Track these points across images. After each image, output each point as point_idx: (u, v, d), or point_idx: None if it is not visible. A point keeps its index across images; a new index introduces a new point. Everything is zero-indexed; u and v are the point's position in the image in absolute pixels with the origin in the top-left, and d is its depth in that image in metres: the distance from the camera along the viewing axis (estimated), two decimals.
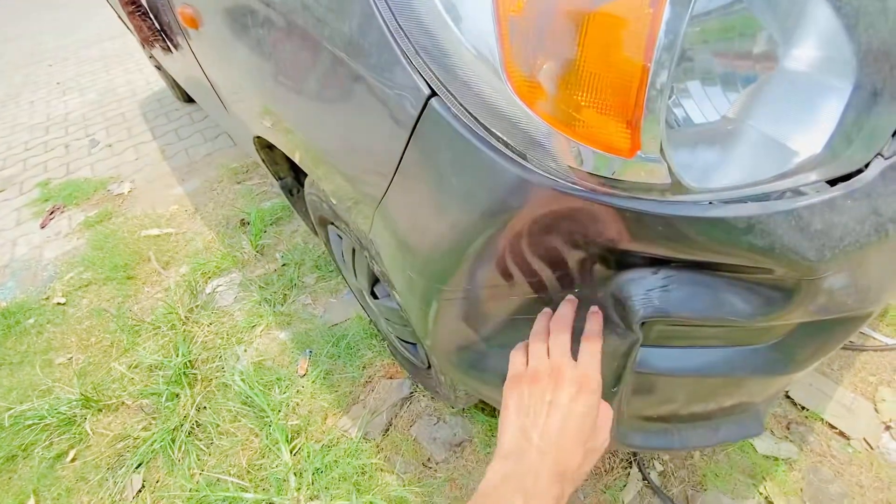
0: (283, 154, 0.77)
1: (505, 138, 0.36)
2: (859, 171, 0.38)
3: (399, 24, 0.38)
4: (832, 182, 0.38)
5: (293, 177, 1.04)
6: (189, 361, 1.18)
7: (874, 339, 1.00)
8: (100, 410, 1.15)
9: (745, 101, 0.38)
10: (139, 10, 0.99)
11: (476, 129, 0.37)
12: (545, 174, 0.36)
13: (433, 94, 0.38)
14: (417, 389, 1.06)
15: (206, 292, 1.43)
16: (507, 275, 0.44)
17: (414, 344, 0.88)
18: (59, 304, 1.52)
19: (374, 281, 0.86)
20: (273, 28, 0.55)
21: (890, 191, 0.38)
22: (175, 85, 2.56)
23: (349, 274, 0.97)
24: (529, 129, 0.34)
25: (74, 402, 1.15)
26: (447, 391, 0.88)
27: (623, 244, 0.39)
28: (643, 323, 0.45)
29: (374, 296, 0.88)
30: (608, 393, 0.51)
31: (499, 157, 0.37)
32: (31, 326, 1.45)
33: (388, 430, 1.00)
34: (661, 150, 0.33)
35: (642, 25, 0.30)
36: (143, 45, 1.12)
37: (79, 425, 1.12)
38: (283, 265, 1.47)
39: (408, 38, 0.38)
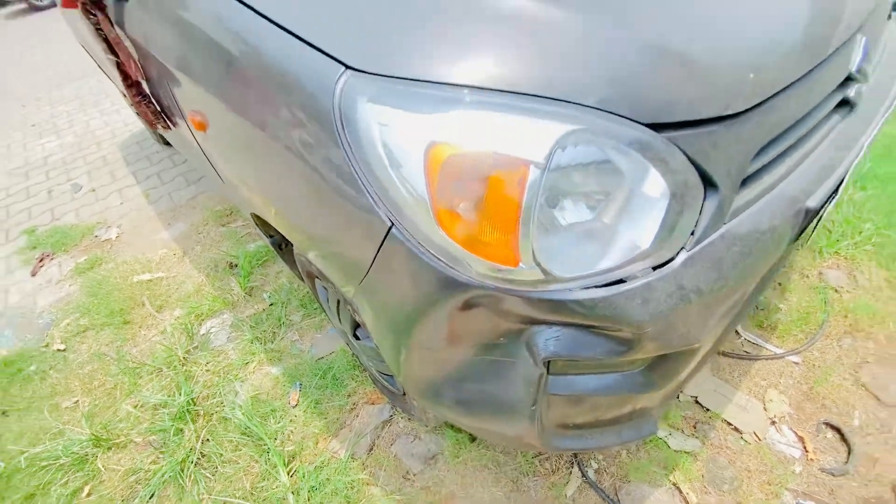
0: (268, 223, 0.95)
1: (439, 256, 0.55)
2: (671, 260, 0.59)
3: (357, 168, 0.57)
4: (654, 268, 0.59)
5: (282, 237, 1.21)
6: (191, 399, 1.32)
7: (766, 349, 1.23)
8: (110, 448, 1.28)
9: (600, 214, 0.58)
10: (144, 98, 1.15)
11: (422, 250, 0.56)
12: (467, 277, 0.56)
13: (392, 224, 0.57)
14: (396, 413, 1.23)
15: (200, 333, 1.57)
16: (449, 337, 0.63)
17: (391, 375, 1.06)
18: (59, 350, 1.63)
19: (356, 326, 1.04)
20: (271, 146, 0.73)
21: (690, 272, 0.59)
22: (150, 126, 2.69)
23: (334, 318, 1.14)
24: (452, 250, 0.54)
25: (85, 442, 1.27)
26: (420, 414, 1.07)
27: (522, 314, 0.59)
28: (548, 361, 0.64)
29: (357, 337, 1.06)
30: (529, 412, 0.71)
31: (438, 266, 0.56)
32: (33, 373, 1.56)
33: (371, 449, 1.17)
34: (535, 260, 0.53)
35: (518, 185, 0.50)
36: (146, 124, 1.27)
37: (91, 463, 1.25)
38: (271, 304, 1.63)
39: (366, 177, 0.57)
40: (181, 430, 1.26)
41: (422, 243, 0.56)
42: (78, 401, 1.44)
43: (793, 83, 0.61)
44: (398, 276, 0.61)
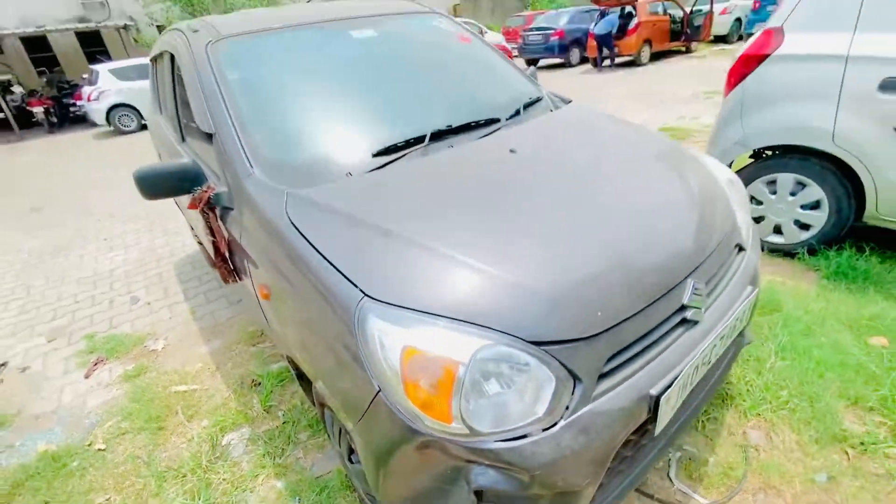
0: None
1: (405, 413, 0.91)
2: (555, 425, 0.93)
3: (363, 353, 0.95)
4: (544, 429, 0.92)
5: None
6: (208, 499, 1.56)
7: (694, 498, 1.45)
8: None
9: (512, 393, 0.93)
10: (225, 263, 1.63)
11: (396, 408, 0.92)
12: (422, 428, 0.90)
13: (379, 390, 0.94)
14: None
15: (222, 444, 1.85)
16: (412, 468, 0.95)
17: (374, 497, 1.32)
18: (99, 449, 1.92)
19: (351, 451, 1.33)
20: (312, 322, 1.13)
21: (566, 435, 0.92)
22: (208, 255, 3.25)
23: (335, 442, 1.44)
24: (412, 410, 0.90)
25: None
26: None
27: (458, 456, 0.91)
28: (477, 491, 0.94)
29: (351, 461, 1.35)
30: None
31: (405, 419, 0.91)
32: (75, 469, 1.83)
33: None
34: (462, 420, 0.88)
35: (451, 374, 0.87)
36: (221, 277, 1.73)
37: None
38: (284, 423, 1.92)
39: (368, 359, 0.95)
40: None
41: (395, 404, 0.92)
42: (110, 497, 1.68)
43: (631, 316, 1.01)
44: (381, 422, 0.96)
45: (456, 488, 0.95)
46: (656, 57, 11.96)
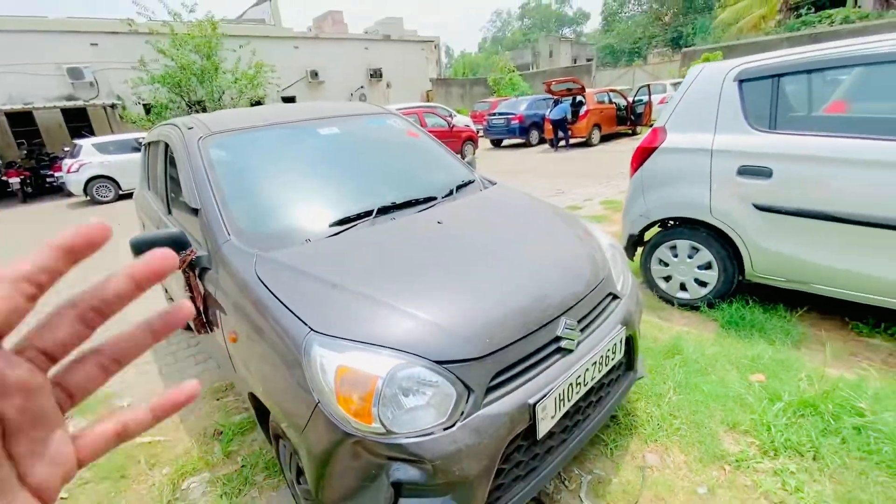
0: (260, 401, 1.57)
1: (338, 419, 1.19)
2: (453, 426, 1.22)
3: (308, 374, 1.24)
4: (445, 429, 1.21)
5: (265, 408, 1.80)
6: None
7: None
8: None
9: (422, 402, 1.23)
10: (199, 316, 1.91)
11: (332, 415, 1.20)
12: (351, 429, 1.18)
13: (318, 401, 1.22)
14: None
15: (182, 488, 1.99)
16: (345, 466, 1.21)
17: None
18: (62, 498, 2.01)
19: (300, 474, 1.55)
20: (270, 356, 1.41)
21: (460, 433, 1.21)
22: None
23: (286, 468, 1.65)
24: (343, 415, 1.18)
25: None
26: None
27: (379, 452, 1.19)
28: (395, 483, 1.20)
29: (299, 482, 1.56)
30: None
31: (338, 424, 1.19)
32: None
33: None
34: (380, 421, 1.17)
35: (372, 386, 1.17)
36: (195, 328, 1.99)
37: None
38: (242, 466, 2.08)
39: (311, 379, 1.24)
40: None
41: (329, 411, 1.20)
42: None
43: (513, 342, 1.35)
44: (319, 429, 1.23)
45: (378, 483, 1.21)
46: (606, 139, 13.36)
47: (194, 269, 1.85)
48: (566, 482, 1.84)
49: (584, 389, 1.50)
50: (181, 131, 2.18)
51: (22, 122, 15.32)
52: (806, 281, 2.52)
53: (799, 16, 20.27)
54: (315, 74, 19.83)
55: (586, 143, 12.77)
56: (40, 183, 13.65)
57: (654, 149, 2.91)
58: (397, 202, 2.01)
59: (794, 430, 1.88)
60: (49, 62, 14.48)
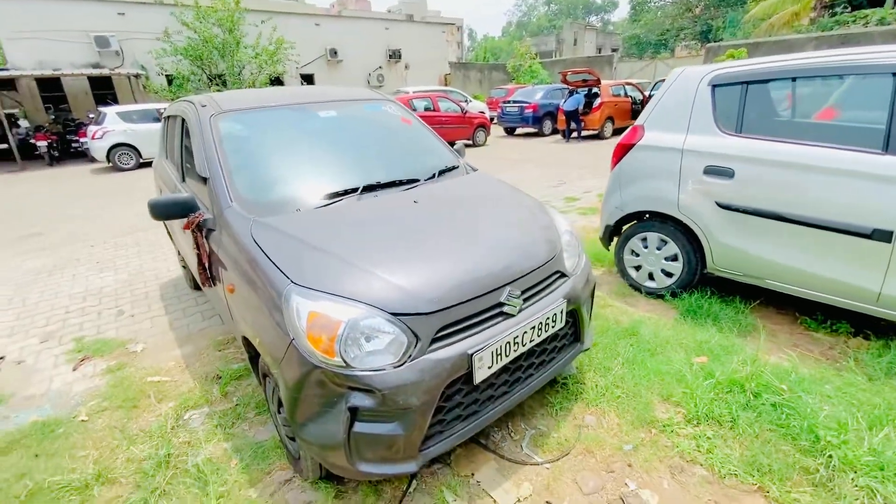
0: (251, 343, 1.85)
1: (307, 352, 1.47)
2: (401, 365, 1.49)
3: (286, 317, 1.52)
4: (395, 367, 1.48)
5: (255, 351, 2.10)
6: (168, 454, 2.03)
7: (533, 458, 1.97)
8: (104, 483, 1.94)
9: (379, 346, 1.50)
10: (205, 271, 2.20)
11: (302, 349, 1.48)
12: (318, 361, 1.46)
13: (293, 339, 1.50)
14: (295, 476, 1.92)
15: (184, 418, 2.32)
16: (311, 393, 1.50)
17: (293, 438, 1.82)
18: (82, 420, 2.36)
19: (280, 405, 1.85)
20: (259, 303, 1.69)
21: (406, 371, 1.48)
22: (190, 277, 3.77)
23: (270, 401, 1.95)
24: (311, 349, 1.46)
25: (90, 476, 1.94)
26: (305, 470, 1.79)
27: (340, 382, 1.46)
28: (351, 408, 1.48)
29: (280, 412, 1.86)
30: (344, 443, 1.50)
31: (306, 356, 1.47)
32: (61, 434, 2.26)
33: (273, 494, 1.84)
34: (341, 356, 1.44)
35: (336, 327, 1.45)
36: (197, 280, 2.29)
37: (90, 490, 1.90)
38: (236, 405, 2.40)
39: (288, 321, 1.52)
40: (156, 474, 1.94)
41: (301, 347, 1.48)
42: (89, 453, 2.12)
43: (459, 303, 1.60)
44: (292, 361, 1.51)
45: (338, 408, 1.49)
46: (619, 132, 13.32)
47: (201, 230, 2.14)
48: (512, 434, 2.12)
49: (522, 349, 1.75)
50: (196, 108, 2.45)
51: (50, 87, 15.81)
52: (760, 276, 2.72)
53: (833, 14, 19.62)
54: (334, 53, 19.94)
55: (598, 136, 12.79)
56: (66, 147, 14.19)
57: (632, 146, 3.10)
58: (382, 181, 2.26)
59: (718, 404, 2.12)
60: (77, 29, 14.85)
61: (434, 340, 1.56)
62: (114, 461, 2.06)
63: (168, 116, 3.32)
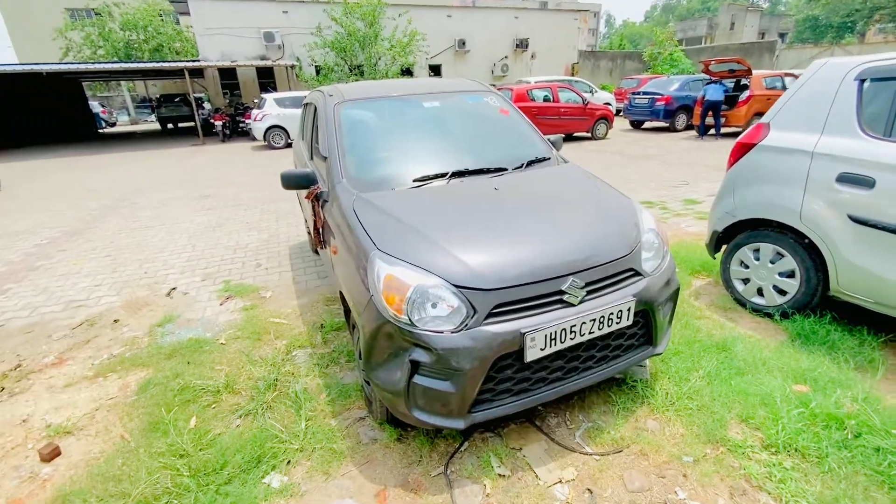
0: (346, 299, 2.19)
1: (382, 308, 1.73)
2: (460, 330, 1.67)
3: (369, 278, 1.79)
4: (453, 331, 1.67)
5: (349, 310, 2.46)
6: (276, 378, 2.51)
7: (584, 449, 2.01)
8: (229, 392, 2.48)
9: (444, 311, 1.70)
10: (319, 235, 2.63)
11: (378, 304, 1.74)
12: (389, 316, 1.71)
13: (372, 295, 1.77)
14: (369, 416, 2.24)
15: (292, 354, 2.81)
16: (382, 342, 1.76)
17: (368, 383, 2.12)
18: (222, 343, 2.99)
19: (360, 354, 2.16)
20: (352, 263, 2.00)
21: (463, 337, 1.65)
22: (311, 242, 4.40)
23: (355, 348, 2.29)
24: (385, 306, 1.71)
25: (221, 384, 2.50)
26: (376, 411, 2.09)
27: (407, 338, 1.70)
28: (413, 361, 1.71)
29: (360, 358, 2.18)
30: (404, 390, 1.74)
31: (381, 311, 1.73)
32: (206, 350, 2.91)
33: (347, 427, 2.18)
34: (408, 315, 1.68)
35: (405, 290, 1.68)
36: (313, 243, 2.74)
37: (220, 394, 2.45)
38: (333, 351, 2.82)
39: (371, 281, 1.79)
40: (266, 392, 2.42)
41: (377, 303, 1.74)
42: (223, 368, 2.71)
43: (519, 285, 1.72)
44: (371, 313, 1.78)
45: (401, 359, 1.73)
46: None
47: (318, 200, 2.55)
48: (568, 422, 2.17)
49: (580, 339, 1.81)
50: (325, 97, 2.88)
51: (227, 75, 18.93)
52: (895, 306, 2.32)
53: None
54: (462, 43, 20.48)
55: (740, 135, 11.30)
56: (235, 127, 16.97)
57: (754, 145, 2.81)
58: (470, 168, 2.44)
59: (806, 436, 1.92)
60: (251, 27, 17.51)
61: (491, 315, 1.70)
62: (238, 377, 2.60)
63: (306, 103, 3.90)
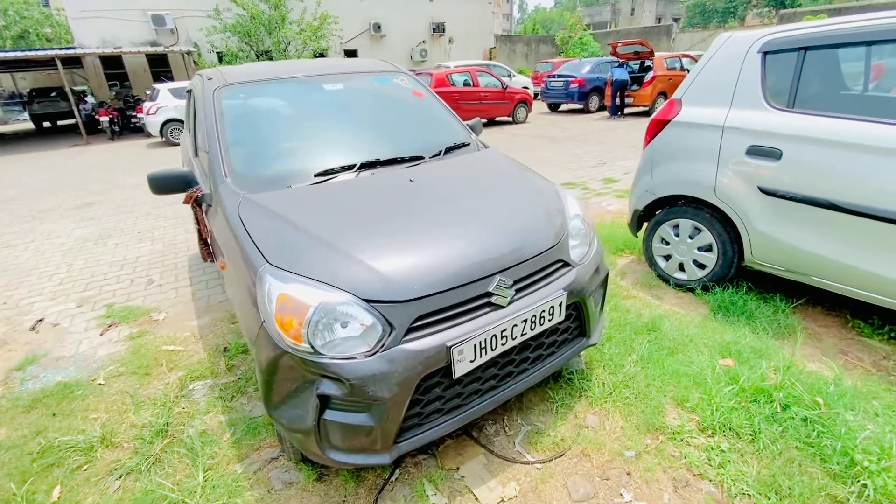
0: None
1: (275, 335, 1.41)
2: (374, 354, 1.41)
3: (259, 298, 1.47)
4: (366, 355, 1.40)
5: None
6: (167, 423, 2.08)
7: (525, 457, 1.86)
8: (107, 446, 2.02)
9: (352, 332, 1.43)
10: (206, 245, 2.21)
11: (272, 332, 1.42)
12: (286, 346, 1.40)
13: (263, 321, 1.45)
14: (282, 455, 1.92)
15: (189, 388, 2.38)
16: (282, 376, 1.45)
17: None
18: (100, 384, 2.48)
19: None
20: (240, 280, 1.66)
21: (378, 362, 1.39)
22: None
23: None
24: (280, 333, 1.40)
25: (96, 438, 2.03)
26: (287, 451, 1.78)
27: (310, 369, 1.40)
28: (321, 396, 1.42)
29: None
30: (314, 429, 1.45)
31: (275, 339, 1.42)
32: (79, 395, 2.39)
33: (257, 472, 1.84)
34: (308, 342, 1.38)
35: (304, 312, 1.38)
36: (202, 256, 2.31)
37: (94, 451, 1.99)
38: (239, 379, 2.43)
39: (261, 302, 1.47)
40: (153, 442, 2.00)
41: (271, 329, 1.43)
42: (100, 416, 2.23)
43: (440, 292, 1.49)
44: (263, 342, 1.46)
45: (307, 393, 1.44)
46: None
47: (201, 206, 2.13)
48: (506, 428, 2.01)
49: (512, 342, 1.62)
50: (203, 81, 2.42)
51: (113, 64, 16.72)
52: (806, 273, 2.41)
53: None
54: (378, 27, 19.75)
55: (649, 113, 11.97)
56: (126, 122, 15.05)
57: (667, 122, 2.80)
58: (382, 158, 2.15)
59: (738, 413, 1.91)
60: (136, 8, 15.51)
61: (411, 330, 1.46)
62: (119, 425, 2.14)
63: (188, 90, 3.35)
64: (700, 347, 2.38)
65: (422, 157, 2.26)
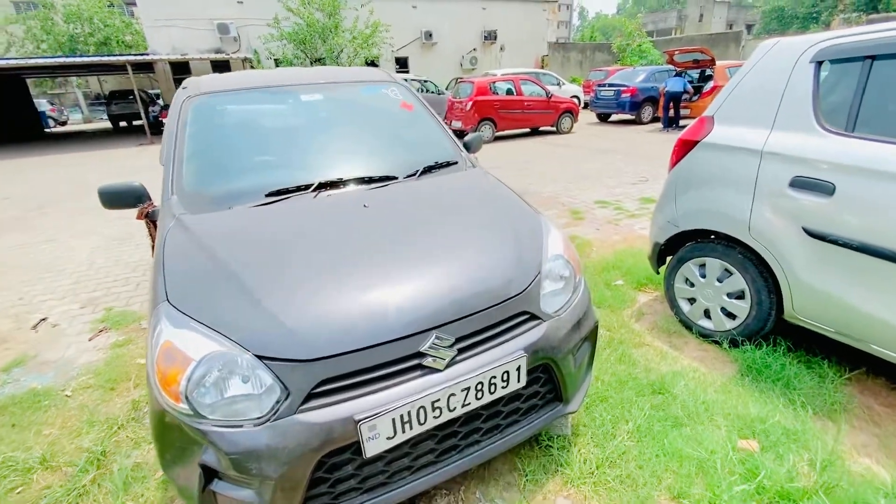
0: None
1: (157, 394, 1.21)
2: (264, 423, 1.17)
3: (149, 342, 1.28)
4: (256, 424, 1.17)
5: None
6: (103, 452, 1.96)
7: None
8: (46, 468, 1.93)
9: (246, 389, 1.20)
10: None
11: (156, 391, 1.23)
12: (166, 405, 1.20)
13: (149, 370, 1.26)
14: None
15: (143, 410, 2.27)
16: (168, 436, 1.25)
17: None
18: (66, 395, 2.43)
19: None
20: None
21: (268, 433, 1.16)
22: None
23: None
24: (161, 390, 1.20)
25: (35, 460, 1.94)
26: None
27: (190, 433, 1.19)
28: (202, 465, 1.21)
29: None
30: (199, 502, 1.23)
31: (157, 397, 1.22)
32: (44, 405, 2.34)
33: None
34: (188, 402, 1.17)
35: (186, 366, 1.17)
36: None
37: (31, 473, 1.90)
38: None
39: (148, 347, 1.28)
40: (87, 470, 1.88)
41: (153, 381, 1.23)
42: (52, 432, 2.15)
43: (353, 351, 1.23)
44: (152, 394, 1.27)
45: (191, 460, 1.23)
46: None
47: (154, 222, 2.00)
48: (461, 501, 1.70)
49: (448, 415, 1.33)
50: (178, 91, 2.32)
51: (181, 70, 17.90)
52: (862, 339, 1.92)
53: None
54: (429, 35, 19.85)
55: None
56: None
57: (696, 143, 2.38)
58: (345, 178, 1.93)
59: None
60: (202, 18, 16.52)
61: (312, 397, 1.21)
62: (66, 445, 2.05)
63: None
64: (716, 420, 1.95)
65: (394, 178, 2.01)
